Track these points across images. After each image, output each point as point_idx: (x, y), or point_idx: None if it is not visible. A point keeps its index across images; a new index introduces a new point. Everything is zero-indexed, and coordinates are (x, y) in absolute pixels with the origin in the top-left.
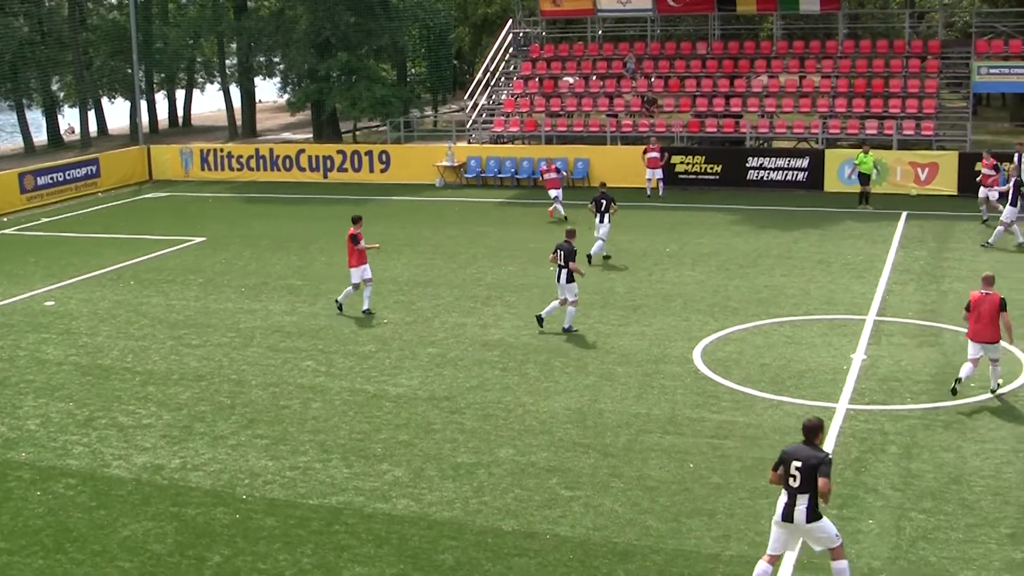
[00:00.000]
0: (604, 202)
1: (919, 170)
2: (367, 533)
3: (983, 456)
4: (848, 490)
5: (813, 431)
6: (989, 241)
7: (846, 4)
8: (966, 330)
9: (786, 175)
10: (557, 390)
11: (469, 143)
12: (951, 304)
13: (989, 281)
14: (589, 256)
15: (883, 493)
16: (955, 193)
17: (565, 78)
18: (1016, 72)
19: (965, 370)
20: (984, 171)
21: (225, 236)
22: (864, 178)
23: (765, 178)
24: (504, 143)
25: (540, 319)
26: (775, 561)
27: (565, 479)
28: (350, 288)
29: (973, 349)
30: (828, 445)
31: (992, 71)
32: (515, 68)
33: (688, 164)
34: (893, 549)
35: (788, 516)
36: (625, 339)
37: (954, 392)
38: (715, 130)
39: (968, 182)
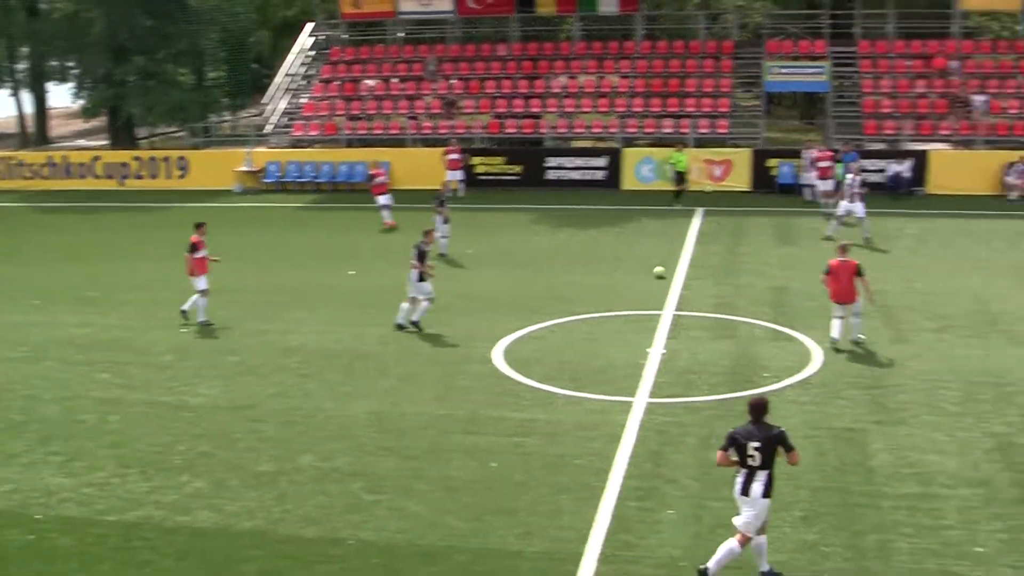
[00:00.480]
0: (441, 200)
1: (714, 167)
2: (168, 547)
3: None
4: (648, 482)
5: (761, 409)
6: (829, 233)
7: (644, 5)
8: (827, 294)
9: (584, 174)
10: (358, 394)
11: (268, 148)
12: (746, 297)
13: (845, 249)
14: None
15: (682, 483)
16: (749, 189)
17: (365, 81)
18: (804, 72)
19: (835, 329)
20: (820, 164)
21: (15, 247)
22: (680, 176)
23: (564, 177)
24: (304, 147)
25: (400, 326)
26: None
27: (368, 483)
28: (196, 296)
29: (837, 310)
30: (628, 440)
31: (783, 71)
32: (316, 71)
33: (488, 165)
34: (693, 537)
35: (745, 491)
36: (427, 341)
37: (836, 351)
38: (515, 131)
39: (761, 179)
